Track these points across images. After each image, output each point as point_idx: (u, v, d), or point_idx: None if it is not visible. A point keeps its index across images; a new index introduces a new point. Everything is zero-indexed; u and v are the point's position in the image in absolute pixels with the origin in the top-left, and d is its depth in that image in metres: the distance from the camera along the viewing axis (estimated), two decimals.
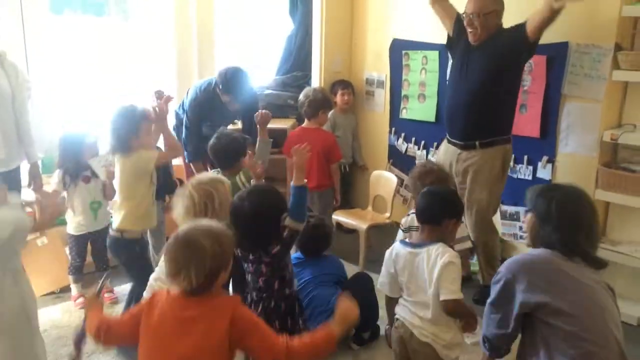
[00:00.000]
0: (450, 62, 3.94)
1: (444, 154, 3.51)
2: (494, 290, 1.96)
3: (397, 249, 2.37)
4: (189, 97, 3.75)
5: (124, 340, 1.91)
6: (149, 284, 2.41)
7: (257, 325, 1.77)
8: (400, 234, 2.93)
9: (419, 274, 2.27)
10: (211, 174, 2.54)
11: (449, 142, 3.45)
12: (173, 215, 2.35)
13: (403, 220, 2.96)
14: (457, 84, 3.37)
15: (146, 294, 2.42)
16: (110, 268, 3.39)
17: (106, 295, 3.43)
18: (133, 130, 2.77)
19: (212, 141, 3.01)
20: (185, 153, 3.76)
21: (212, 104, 3.68)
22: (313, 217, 3.05)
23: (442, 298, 2.18)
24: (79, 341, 1.95)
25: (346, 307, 1.82)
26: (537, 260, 1.92)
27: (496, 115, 3.27)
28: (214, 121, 3.67)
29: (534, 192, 2.03)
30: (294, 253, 3.10)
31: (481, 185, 3.30)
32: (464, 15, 3.20)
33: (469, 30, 3.21)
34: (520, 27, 3.08)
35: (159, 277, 2.36)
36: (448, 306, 2.19)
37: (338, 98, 4.49)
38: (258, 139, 3.18)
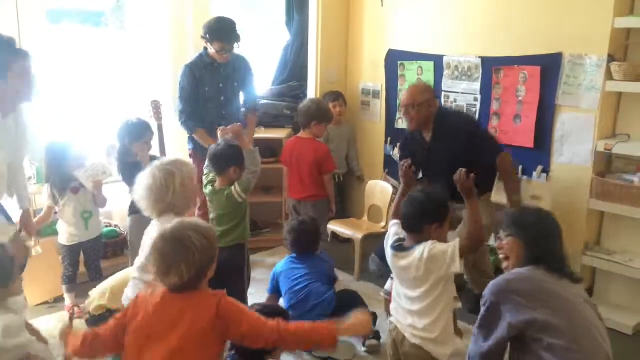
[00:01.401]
0: (445, 72, 3.99)
1: None
2: (480, 314, 1.99)
3: (388, 253, 2.40)
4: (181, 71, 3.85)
5: (109, 348, 1.90)
6: (131, 280, 2.45)
7: (244, 313, 1.80)
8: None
9: (410, 271, 2.26)
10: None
11: None
12: (134, 197, 2.43)
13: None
14: (430, 176, 3.32)
15: (128, 291, 2.44)
16: (104, 277, 3.38)
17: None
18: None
19: (212, 146, 3.07)
20: (184, 127, 3.84)
21: (203, 66, 3.77)
22: (301, 216, 3.18)
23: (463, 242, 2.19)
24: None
25: (361, 319, 1.88)
26: (521, 279, 1.96)
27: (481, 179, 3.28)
28: (210, 84, 3.77)
29: (511, 217, 2.12)
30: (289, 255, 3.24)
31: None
32: (401, 108, 3.31)
33: (406, 119, 3.32)
34: (487, 152, 3.20)
35: (142, 267, 2.36)
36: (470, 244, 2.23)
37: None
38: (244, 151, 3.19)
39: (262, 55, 5.08)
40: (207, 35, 3.67)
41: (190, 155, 3.97)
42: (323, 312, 2.94)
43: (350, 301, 2.99)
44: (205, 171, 3.09)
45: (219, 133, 3.12)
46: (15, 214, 2.91)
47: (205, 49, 3.76)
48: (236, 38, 3.72)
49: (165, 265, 1.73)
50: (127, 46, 4.29)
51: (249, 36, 4.95)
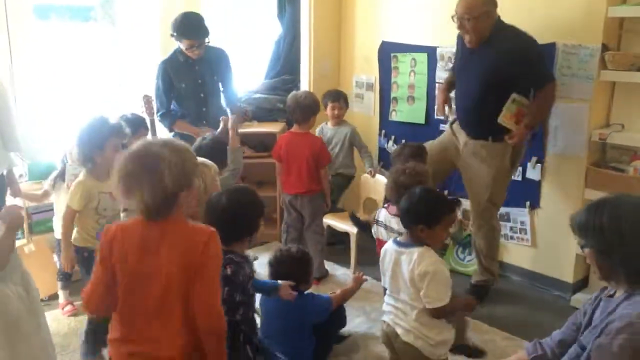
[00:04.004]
0: (439, 63, 3.97)
1: (448, 135, 3.51)
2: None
3: (387, 245, 2.40)
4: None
5: (112, 301, 1.64)
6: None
7: (214, 274, 1.58)
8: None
9: (401, 272, 2.28)
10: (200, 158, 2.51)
11: (460, 125, 3.43)
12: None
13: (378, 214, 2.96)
14: (461, 84, 3.36)
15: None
16: None
17: (66, 308, 3.33)
18: (99, 145, 2.61)
19: (197, 141, 3.10)
20: (163, 125, 3.84)
21: (178, 63, 3.76)
22: (292, 247, 2.93)
23: (428, 307, 2.20)
24: None
25: None
26: None
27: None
28: (187, 81, 3.77)
29: (577, 221, 1.60)
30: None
31: (490, 177, 3.29)
32: (454, 16, 3.13)
33: (460, 32, 3.17)
34: (533, 78, 3.14)
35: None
36: (434, 313, 2.21)
37: (328, 111, 4.22)
38: (228, 148, 3.14)
39: (254, 49, 5.05)
40: (175, 33, 3.63)
41: None
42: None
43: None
44: None
45: (221, 124, 3.30)
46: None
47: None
48: (205, 33, 3.65)
49: (127, 185, 1.50)
50: (117, 41, 4.25)
51: (240, 29, 4.94)
